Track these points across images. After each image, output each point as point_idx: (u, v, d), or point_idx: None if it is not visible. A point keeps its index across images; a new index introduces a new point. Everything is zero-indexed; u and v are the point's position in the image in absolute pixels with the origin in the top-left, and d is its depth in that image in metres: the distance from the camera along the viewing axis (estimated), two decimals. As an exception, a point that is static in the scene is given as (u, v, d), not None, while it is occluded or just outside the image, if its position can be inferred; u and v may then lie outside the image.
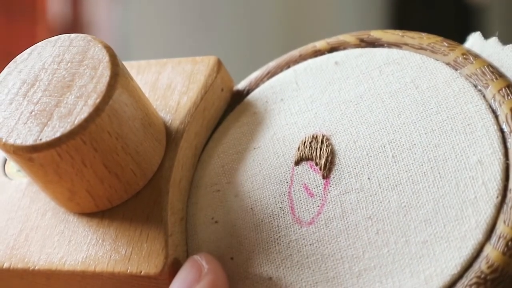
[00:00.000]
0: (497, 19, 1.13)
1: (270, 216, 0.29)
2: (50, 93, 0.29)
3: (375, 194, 0.28)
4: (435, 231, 0.26)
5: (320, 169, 0.29)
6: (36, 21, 1.03)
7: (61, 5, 1.04)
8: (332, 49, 0.32)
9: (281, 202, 0.29)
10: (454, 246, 0.26)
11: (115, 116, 0.28)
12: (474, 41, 0.30)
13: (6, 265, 0.30)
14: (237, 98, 0.33)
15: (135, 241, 0.29)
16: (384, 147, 0.29)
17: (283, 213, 0.29)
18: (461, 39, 0.31)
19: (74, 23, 1.04)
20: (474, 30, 0.31)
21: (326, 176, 0.29)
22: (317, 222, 0.28)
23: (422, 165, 0.28)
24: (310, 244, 0.28)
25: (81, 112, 0.28)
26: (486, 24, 1.11)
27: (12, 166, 0.33)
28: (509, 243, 0.25)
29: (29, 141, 0.28)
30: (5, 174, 0.33)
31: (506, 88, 0.28)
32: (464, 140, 0.27)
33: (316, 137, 0.30)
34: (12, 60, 0.31)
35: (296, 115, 0.31)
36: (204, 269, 0.28)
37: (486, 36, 0.31)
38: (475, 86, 0.29)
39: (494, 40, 0.30)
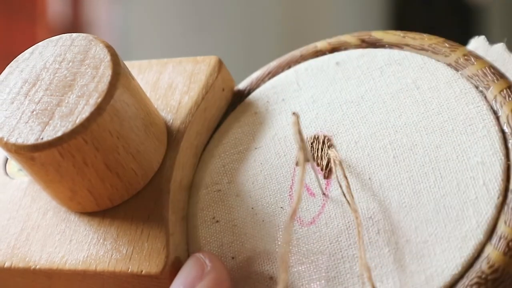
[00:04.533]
0: (497, 19, 1.13)
1: (271, 216, 0.29)
2: (52, 93, 0.29)
3: (376, 194, 0.28)
4: (436, 231, 0.26)
5: (322, 169, 0.29)
6: (36, 21, 1.03)
7: (61, 5, 1.04)
8: (333, 50, 0.32)
9: (282, 202, 0.29)
10: (455, 246, 0.26)
11: (117, 115, 0.28)
12: (478, 44, 0.30)
13: (7, 264, 0.30)
14: (238, 98, 0.33)
15: (136, 240, 0.29)
16: (386, 147, 0.29)
17: (284, 213, 0.29)
18: (462, 40, 0.31)
19: (74, 23, 1.04)
20: (474, 30, 0.31)
21: (327, 177, 0.29)
22: (318, 221, 0.28)
23: (423, 165, 0.28)
24: (311, 244, 0.28)
25: (83, 112, 0.28)
26: (486, 24, 1.11)
27: (13, 165, 0.33)
28: (510, 243, 0.25)
29: (31, 140, 0.28)
30: (6, 173, 0.33)
31: (507, 89, 0.28)
32: (465, 141, 0.27)
33: (318, 137, 0.30)
34: (14, 60, 0.31)
35: (297, 115, 0.31)
36: (206, 267, 0.28)
37: (486, 36, 0.31)
38: (476, 87, 0.29)
39: (501, 46, 0.30)
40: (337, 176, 0.29)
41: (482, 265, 0.25)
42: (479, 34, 0.31)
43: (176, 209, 0.30)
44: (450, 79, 0.29)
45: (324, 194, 0.29)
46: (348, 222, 0.28)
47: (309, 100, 0.31)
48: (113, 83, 0.28)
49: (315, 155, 0.30)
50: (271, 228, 0.29)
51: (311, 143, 0.30)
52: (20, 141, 0.28)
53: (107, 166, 0.29)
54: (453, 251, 0.26)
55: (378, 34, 0.32)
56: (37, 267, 0.29)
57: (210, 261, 0.28)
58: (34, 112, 0.28)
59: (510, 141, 0.27)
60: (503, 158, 0.27)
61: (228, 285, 0.27)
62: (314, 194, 0.29)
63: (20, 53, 0.31)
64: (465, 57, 0.30)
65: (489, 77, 0.29)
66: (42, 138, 0.28)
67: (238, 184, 0.30)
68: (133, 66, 0.33)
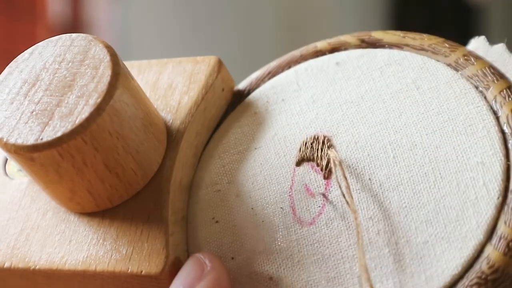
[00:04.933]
0: (496, 19, 1.13)
1: (271, 216, 0.29)
2: (51, 93, 0.29)
3: (376, 194, 0.28)
4: (436, 231, 0.26)
5: (322, 170, 0.29)
6: (36, 21, 1.03)
7: (61, 5, 1.04)
8: (333, 50, 0.32)
9: (282, 202, 0.29)
10: (455, 247, 0.26)
11: (116, 115, 0.28)
12: (478, 45, 0.30)
13: (7, 265, 0.30)
14: (238, 98, 0.33)
15: (135, 241, 0.29)
16: (385, 147, 0.29)
17: (284, 213, 0.29)
18: (462, 40, 0.31)
19: (74, 23, 1.04)
20: (474, 30, 0.31)
21: (327, 177, 0.29)
22: (318, 222, 0.28)
23: (423, 165, 0.28)
24: (311, 244, 0.28)
25: (82, 112, 0.28)
26: (485, 24, 1.11)
27: (13, 165, 0.33)
28: (510, 244, 0.25)
29: (30, 141, 0.28)
30: (6, 173, 0.33)
31: (507, 90, 0.28)
32: (465, 141, 0.27)
33: (318, 138, 0.30)
34: (13, 60, 0.31)
35: (297, 115, 0.31)
36: (206, 267, 0.28)
37: (486, 36, 0.31)
38: (476, 87, 0.29)
39: (501, 47, 0.30)
40: (336, 177, 0.29)
41: (482, 265, 0.25)
42: (479, 34, 0.31)
43: (176, 209, 0.30)
44: (450, 79, 0.29)
45: (324, 194, 0.29)
46: (348, 222, 0.28)
47: (309, 100, 0.31)
48: (113, 83, 0.28)
49: (315, 155, 0.30)
50: (270, 228, 0.29)
51: (311, 143, 0.30)
52: (19, 141, 0.28)
53: (107, 167, 0.29)
54: (453, 251, 0.26)
55: (378, 34, 0.32)
56: (37, 267, 0.29)
57: (209, 261, 0.28)
58: (34, 113, 0.28)
59: (510, 141, 0.27)
60: (503, 158, 0.27)
61: (227, 286, 0.27)
62: (314, 194, 0.29)
63: (20, 53, 0.31)
64: (465, 57, 0.30)
65: (489, 77, 0.29)
66: (41, 139, 0.28)
67: (238, 185, 0.30)
68: (132, 66, 0.33)
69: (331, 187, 0.29)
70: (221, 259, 0.29)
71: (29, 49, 0.31)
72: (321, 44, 0.33)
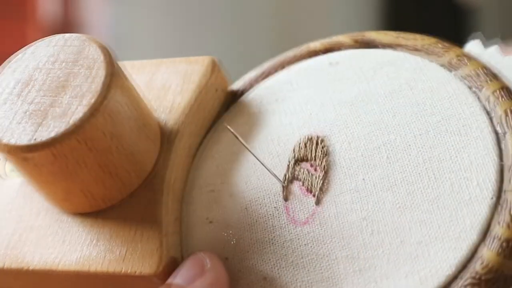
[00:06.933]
0: (488, 20, 1.14)
1: (265, 216, 0.29)
2: (45, 93, 0.29)
3: (370, 194, 0.28)
4: (430, 231, 0.26)
5: (315, 170, 0.29)
6: (26, 21, 1.03)
7: (51, 5, 1.04)
8: (327, 50, 0.32)
9: (276, 202, 0.29)
10: (449, 247, 0.26)
11: (110, 116, 0.28)
12: (472, 47, 0.30)
13: (0, 266, 0.30)
14: (232, 98, 0.33)
15: (129, 241, 0.29)
16: (379, 148, 0.29)
17: (278, 213, 0.29)
18: (454, 40, 0.31)
19: (65, 23, 1.04)
20: (466, 31, 0.32)
21: (321, 177, 0.29)
22: (311, 222, 0.28)
23: (417, 166, 0.28)
24: (305, 244, 0.28)
25: (76, 112, 0.27)
26: (478, 25, 1.12)
27: (6, 165, 0.33)
28: (503, 244, 0.25)
29: (24, 141, 0.28)
30: (-2, 173, 0.33)
31: (501, 90, 0.28)
32: (458, 142, 0.28)
33: (311, 138, 0.30)
34: (6, 60, 0.31)
35: (291, 115, 0.31)
36: (207, 265, 0.28)
37: (478, 37, 0.31)
38: (470, 88, 0.29)
39: (494, 49, 0.30)
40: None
41: (476, 265, 0.25)
42: (471, 35, 0.31)
43: (170, 210, 0.30)
44: (443, 79, 0.29)
45: (317, 194, 0.29)
46: (342, 223, 0.28)
47: (302, 100, 0.31)
48: (107, 84, 0.28)
49: (309, 155, 0.30)
50: (264, 229, 0.29)
51: (305, 144, 0.30)
52: (12, 141, 0.28)
53: (101, 167, 0.29)
54: (447, 251, 0.26)
55: (371, 35, 0.32)
56: (30, 268, 0.29)
57: (210, 260, 0.28)
58: (27, 113, 0.28)
59: (503, 141, 0.27)
60: (496, 158, 0.27)
61: (226, 285, 0.28)
62: (307, 194, 0.29)
63: (10, 53, 0.31)
64: (458, 57, 0.30)
65: (482, 78, 0.29)
66: (35, 139, 0.27)
67: (231, 185, 0.30)
68: (125, 67, 0.33)
69: (325, 187, 0.29)
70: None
71: (23, 49, 0.31)
72: (315, 45, 0.33)
